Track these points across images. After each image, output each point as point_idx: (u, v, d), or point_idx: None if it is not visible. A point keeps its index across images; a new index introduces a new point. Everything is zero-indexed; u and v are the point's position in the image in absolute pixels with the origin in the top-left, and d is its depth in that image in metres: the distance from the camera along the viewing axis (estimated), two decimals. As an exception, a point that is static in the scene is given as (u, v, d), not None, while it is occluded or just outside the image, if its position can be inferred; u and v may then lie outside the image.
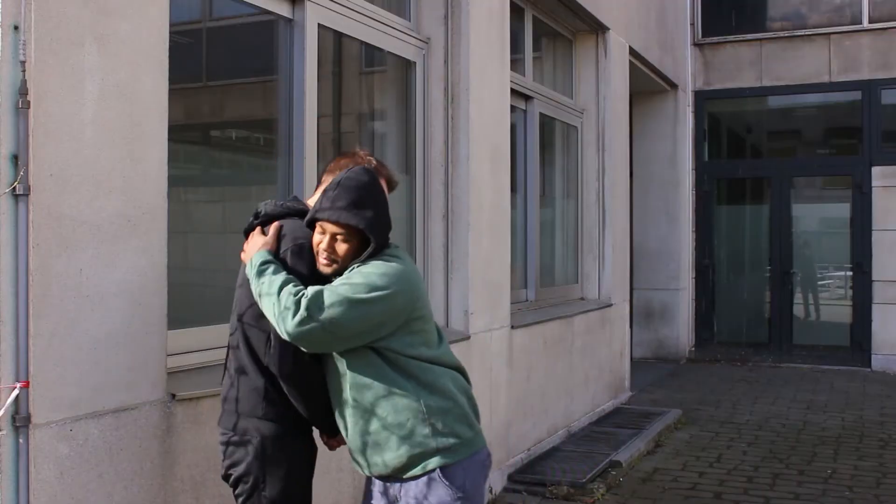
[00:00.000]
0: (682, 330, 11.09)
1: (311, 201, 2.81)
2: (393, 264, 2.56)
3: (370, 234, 2.54)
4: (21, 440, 2.56)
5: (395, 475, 2.58)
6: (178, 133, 3.50)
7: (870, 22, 10.66)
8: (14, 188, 2.53)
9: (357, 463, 2.66)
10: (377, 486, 2.66)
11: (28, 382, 2.56)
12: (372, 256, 2.57)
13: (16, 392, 2.52)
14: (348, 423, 2.59)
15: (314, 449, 2.77)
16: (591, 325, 7.50)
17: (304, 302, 2.42)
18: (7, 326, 2.53)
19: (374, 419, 2.54)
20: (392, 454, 2.54)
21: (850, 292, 10.83)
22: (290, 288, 2.47)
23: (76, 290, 2.71)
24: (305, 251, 2.60)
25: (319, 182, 2.83)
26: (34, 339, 2.58)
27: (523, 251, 6.89)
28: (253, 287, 2.55)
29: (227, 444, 2.67)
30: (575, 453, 6.28)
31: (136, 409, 2.90)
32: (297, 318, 2.40)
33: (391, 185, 2.83)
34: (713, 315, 11.44)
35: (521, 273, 6.82)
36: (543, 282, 7.20)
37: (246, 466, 2.61)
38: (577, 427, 7.09)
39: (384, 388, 2.53)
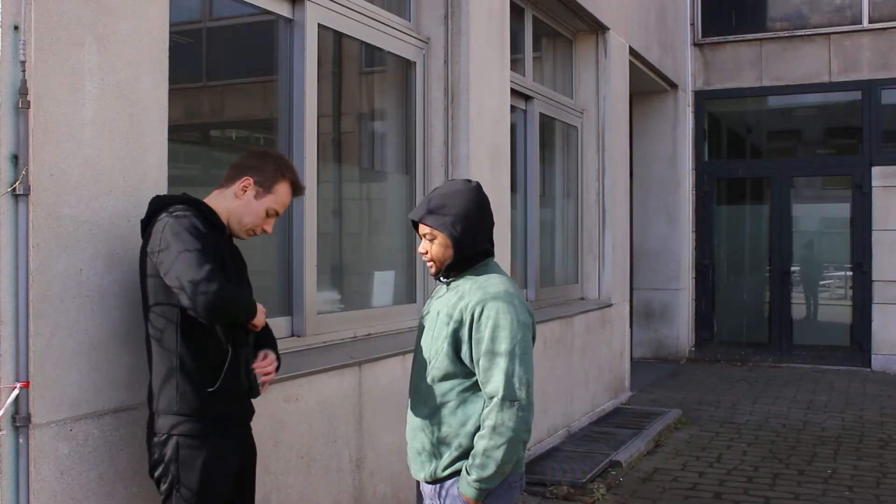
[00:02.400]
0: (681, 330, 11.09)
1: (217, 195, 2.84)
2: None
3: (449, 236, 2.69)
4: (21, 440, 2.56)
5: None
6: (178, 133, 3.50)
7: (870, 22, 10.66)
8: (14, 188, 2.53)
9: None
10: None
11: (28, 382, 2.56)
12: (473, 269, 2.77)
13: (16, 392, 2.52)
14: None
15: (236, 449, 2.73)
16: (591, 325, 7.50)
17: (514, 399, 2.56)
18: (7, 326, 2.53)
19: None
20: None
21: (850, 292, 10.84)
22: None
23: (76, 290, 2.71)
24: (181, 222, 2.59)
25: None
26: (34, 339, 2.58)
27: (523, 251, 6.89)
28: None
29: (149, 442, 2.69)
30: (575, 453, 6.28)
31: (136, 409, 2.90)
32: (515, 407, 2.56)
33: (296, 191, 2.88)
34: (713, 315, 11.44)
35: (521, 273, 6.82)
36: (543, 282, 7.20)
37: (164, 466, 2.63)
38: (577, 427, 7.09)
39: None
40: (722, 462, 6.33)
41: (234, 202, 2.78)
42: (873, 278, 10.51)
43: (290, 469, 3.68)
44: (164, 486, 2.63)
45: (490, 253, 2.80)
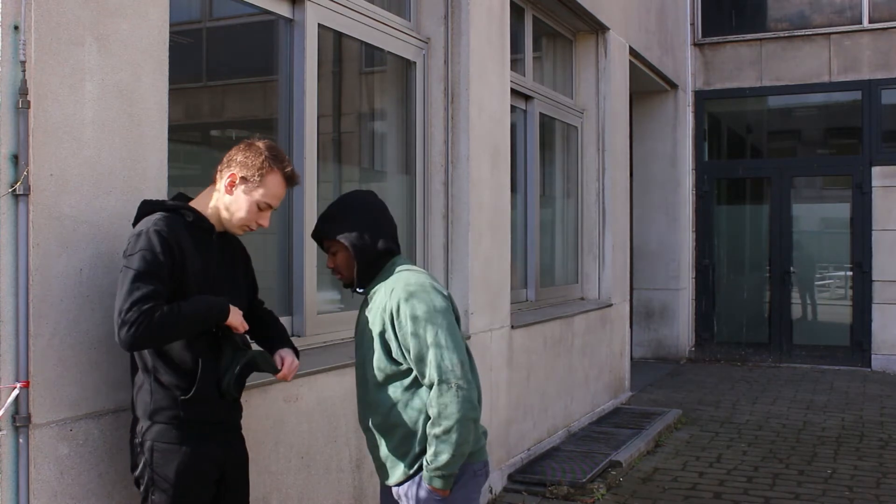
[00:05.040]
0: (681, 330, 11.09)
1: (207, 193, 2.79)
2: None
3: (346, 242, 2.75)
4: (21, 440, 2.56)
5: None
6: (178, 133, 3.50)
7: (870, 22, 10.66)
8: (14, 188, 2.53)
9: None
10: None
11: (28, 382, 2.56)
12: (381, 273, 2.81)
13: (16, 392, 2.52)
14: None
15: (214, 455, 2.69)
16: (590, 325, 7.50)
17: (446, 386, 2.60)
18: (7, 326, 2.53)
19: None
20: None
21: (849, 292, 10.83)
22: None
23: (76, 290, 2.71)
24: (141, 238, 2.54)
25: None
26: (34, 339, 2.58)
27: (523, 251, 6.89)
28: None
29: (130, 444, 2.69)
30: (575, 453, 6.28)
31: (136, 409, 2.90)
32: (453, 388, 2.59)
33: (290, 182, 2.79)
34: (713, 315, 11.44)
35: (521, 273, 6.82)
36: (543, 282, 7.20)
37: (140, 469, 2.63)
38: (577, 427, 7.09)
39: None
40: (722, 462, 6.33)
41: (225, 199, 2.72)
42: (873, 278, 10.51)
43: (290, 469, 3.68)
44: (141, 488, 2.64)
45: (394, 252, 2.84)
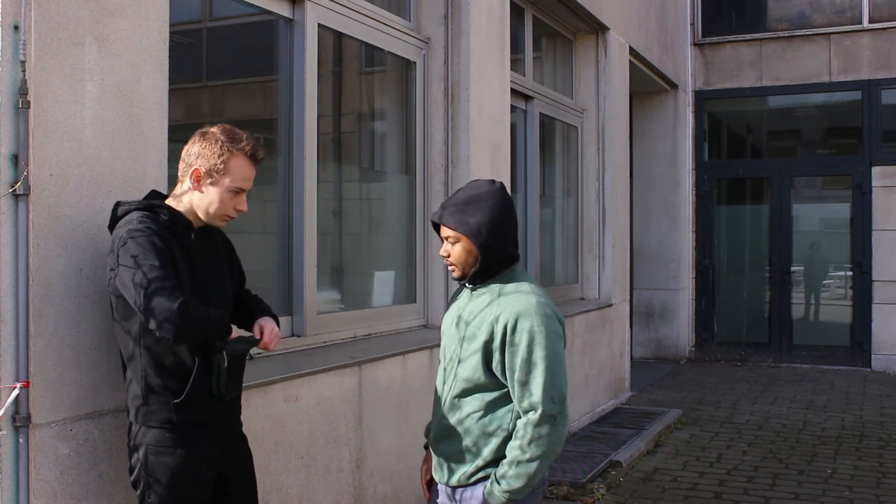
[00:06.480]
0: (681, 330, 11.09)
1: (178, 192, 2.71)
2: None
3: (475, 242, 2.60)
4: (21, 440, 2.56)
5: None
6: (178, 133, 3.50)
7: (870, 22, 10.66)
8: (14, 188, 2.53)
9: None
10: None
11: (28, 382, 2.56)
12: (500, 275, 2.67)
13: (16, 392, 2.52)
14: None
15: (210, 457, 2.67)
16: (591, 325, 7.50)
17: (546, 413, 2.50)
18: (7, 326, 2.53)
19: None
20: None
21: (850, 292, 10.84)
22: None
23: (76, 290, 2.71)
24: (139, 237, 2.50)
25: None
26: (34, 339, 2.58)
27: (523, 251, 6.89)
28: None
29: (127, 448, 2.67)
30: (575, 453, 6.28)
31: (136, 409, 2.90)
32: (553, 422, 2.50)
33: (254, 160, 2.67)
34: (713, 315, 11.44)
35: (521, 273, 6.81)
36: (543, 282, 7.20)
37: (136, 473, 2.61)
38: (577, 427, 7.09)
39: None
40: (722, 462, 6.33)
41: (195, 195, 2.65)
42: (873, 278, 10.51)
43: (290, 469, 3.68)
44: (138, 491, 2.63)
45: (516, 258, 2.70)
